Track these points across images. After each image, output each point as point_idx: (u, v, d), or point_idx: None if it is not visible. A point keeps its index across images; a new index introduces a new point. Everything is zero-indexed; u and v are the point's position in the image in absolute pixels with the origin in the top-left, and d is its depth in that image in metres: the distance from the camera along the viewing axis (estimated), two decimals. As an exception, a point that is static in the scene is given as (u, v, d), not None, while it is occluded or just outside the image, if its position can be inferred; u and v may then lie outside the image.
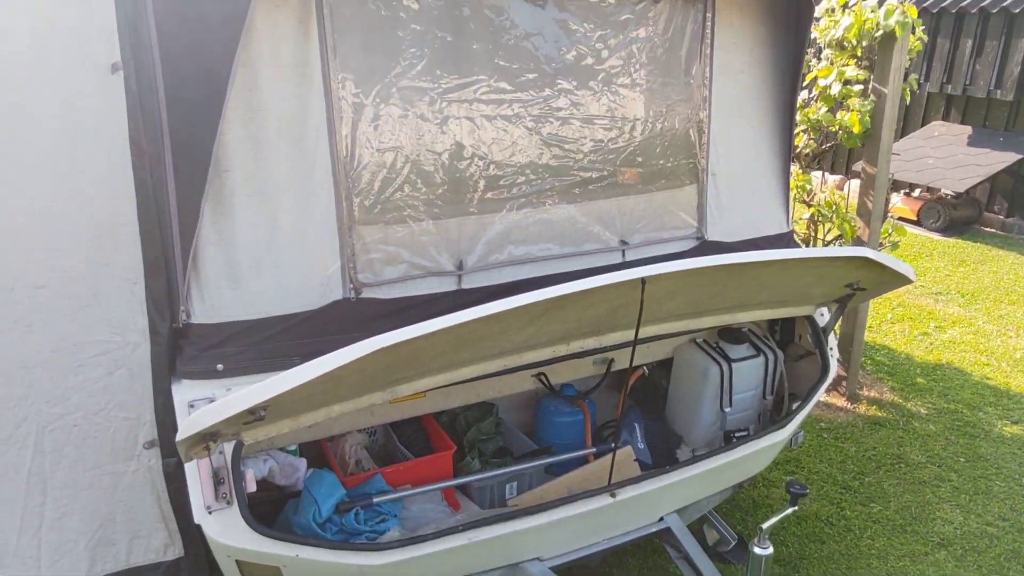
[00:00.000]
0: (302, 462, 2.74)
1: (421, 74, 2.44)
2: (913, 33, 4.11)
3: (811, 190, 4.60)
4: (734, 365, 3.18)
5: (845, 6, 4.31)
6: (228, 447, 2.21)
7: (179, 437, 1.90)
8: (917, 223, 8.69)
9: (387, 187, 2.49)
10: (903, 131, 9.33)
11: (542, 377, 3.10)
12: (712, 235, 3.17)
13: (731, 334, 3.29)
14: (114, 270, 2.27)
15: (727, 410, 3.24)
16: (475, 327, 2.06)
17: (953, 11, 8.96)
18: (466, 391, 2.94)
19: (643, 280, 2.16)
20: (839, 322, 3.90)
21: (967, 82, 8.94)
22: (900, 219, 8.67)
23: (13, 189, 2.11)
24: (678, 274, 2.27)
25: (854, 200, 4.61)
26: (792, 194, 4.38)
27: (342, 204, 2.43)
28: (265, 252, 2.37)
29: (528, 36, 2.60)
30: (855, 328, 4.72)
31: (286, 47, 2.26)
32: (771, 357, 3.32)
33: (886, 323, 6.07)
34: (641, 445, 3.35)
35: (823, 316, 3.26)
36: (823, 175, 5.27)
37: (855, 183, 4.85)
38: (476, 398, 3.05)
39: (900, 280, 2.68)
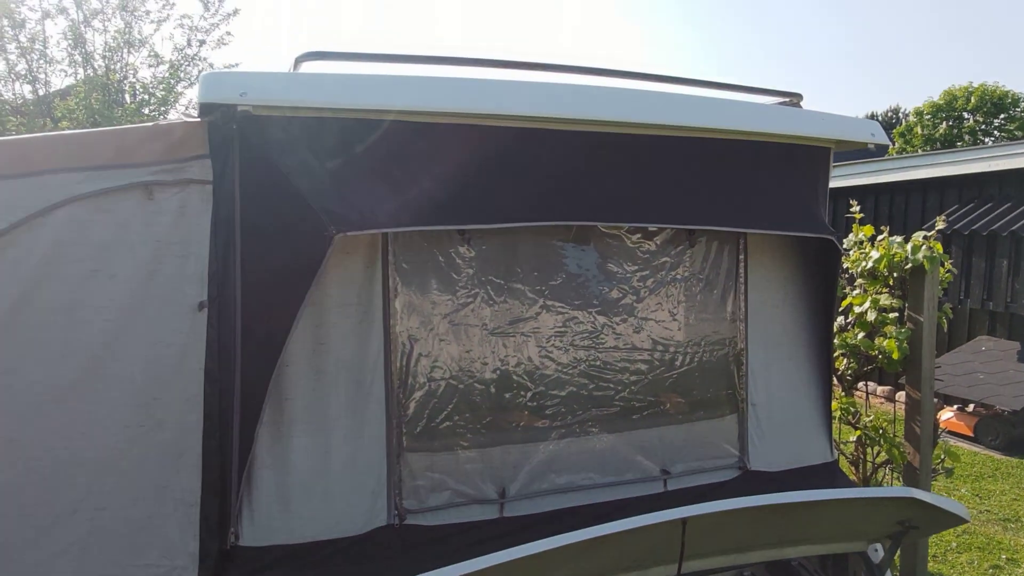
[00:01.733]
0: None
1: (473, 312, 2.65)
2: (943, 266, 4.29)
3: (856, 412, 4.58)
4: (785, 604, 3.04)
5: (873, 239, 4.55)
6: None
7: None
8: (974, 440, 8.40)
9: (435, 416, 2.61)
10: (949, 344, 9.32)
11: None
12: (755, 464, 3.17)
13: (780, 569, 3.17)
14: (173, 492, 2.38)
15: (780, 655, 3.04)
16: (514, 565, 2.08)
17: (984, 233, 9.26)
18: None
19: (684, 521, 2.17)
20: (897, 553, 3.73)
21: (1008, 299, 9.03)
22: (955, 435, 8.42)
23: (94, 418, 2.29)
24: (720, 513, 2.27)
25: (903, 414, 4.56)
26: (836, 415, 4.38)
27: (392, 433, 2.55)
28: (316, 478, 2.47)
29: (573, 277, 2.82)
30: (916, 560, 4.47)
31: (352, 289, 2.50)
32: (824, 596, 3.16)
33: (951, 552, 5.72)
34: None
35: (877, 552, 3.14)
36: (867, 388, 5.25)
37: (903, 395, 4.82)
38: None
39: (953, 520, 2.62)
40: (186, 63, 14.82)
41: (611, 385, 2.90)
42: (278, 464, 2.43)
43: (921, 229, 4.63)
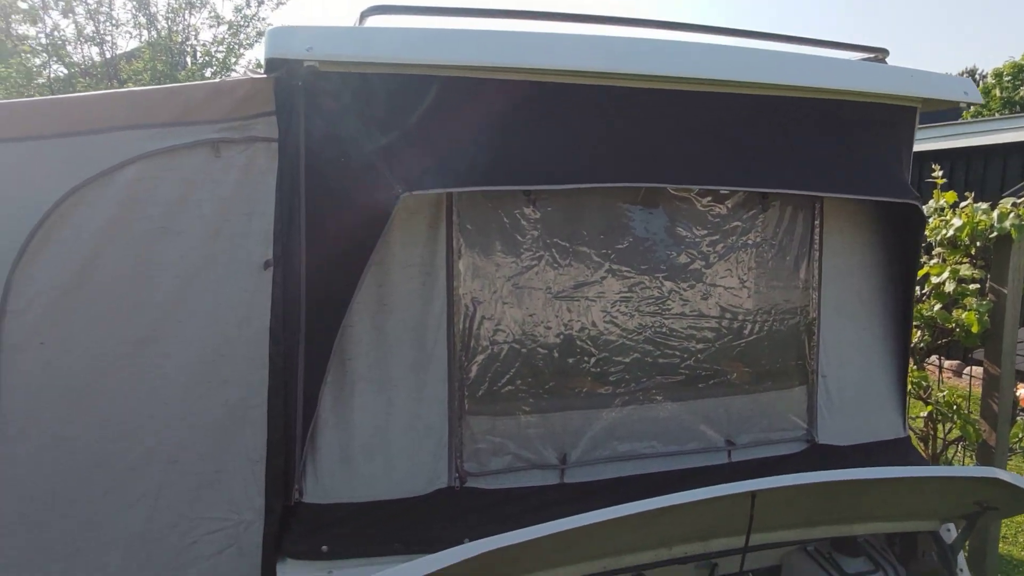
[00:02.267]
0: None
1: (537, 275, 2.60)
2: (1031, 234, 4.04)
3: (928, 387, 4.40)
4: (849, 581, 2.95)
5: (955, 206, 4.31)
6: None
7: None
8: (1052, 418, 8.04)
9: (497, 380, 2.58)
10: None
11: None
12: (823, 438, 3.06)
13: (846, 545, 3.08)
14: (239, 448, 2.41)
15: (842, 631, 2.97)
16: (579, 533, 2.04)
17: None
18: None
19: (753, 494, 2.10)
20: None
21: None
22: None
23: (163, 374, 2.33)
24: (792, 487, 2.20)
25: (976, 390, 4.37)
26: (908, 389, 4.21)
27: (454, 395, 2.53)
28: (378, 438, 2.47)
29: (640, 241, 2.74)
30: (986, 540, 4.32)
31: (415, 250, 2.47)
32: (891, 574, 3.06)
33: (1023, 533, 5.51)
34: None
35: (950, 532, 3.02)
36: (939, 362, 5.06)
37: (976, 369, 4.62)
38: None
39: None
40: (245, 24, 14.94)
41: (676, 353, 2.82)
42: (341, 423, 2.44)
43: (1003, 196, 4.36)
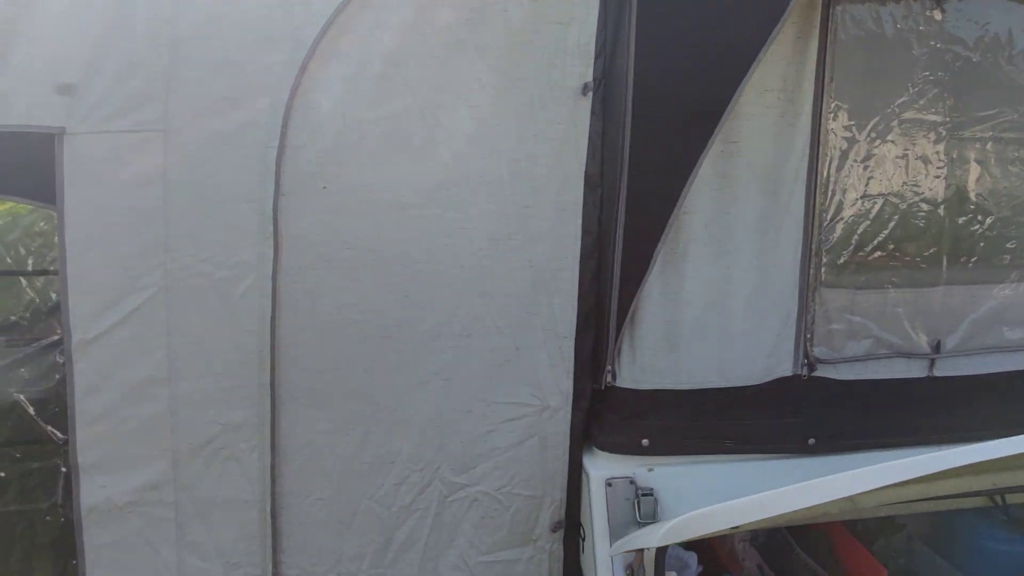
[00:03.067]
0: (692, 556, 2.31)
1: (930, 103, 1.94)
2: None
3: None
4: None
5: None
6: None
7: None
8: None
9: (865, 243, 2.00)
10: None
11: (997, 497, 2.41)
12: None
13: None
14: (543, 321, 1.98)
15: None
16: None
17: None
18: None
19: None
20: None
21: None
22: None
23: (458, 228, 1.90)
24: None
25: None
26: None
27: (808, 262, 1.98)
28: (712, 313, 1.98)
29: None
30: None
31: (775, 68, 1.86)
32: None
33: None
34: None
35: None
36: None
37: None
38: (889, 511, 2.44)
39: None
40: None
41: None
42: (668, 293, 1.95)
43: None
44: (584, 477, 2.05)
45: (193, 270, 1.82)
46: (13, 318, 2.06)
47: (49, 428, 2.00)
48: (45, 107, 1.72)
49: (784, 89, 1.87)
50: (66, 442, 1.85)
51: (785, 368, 2.03)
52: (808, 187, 1.93)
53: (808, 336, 2.01)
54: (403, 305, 1.90)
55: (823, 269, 1.99)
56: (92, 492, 1.87)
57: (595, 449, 2.06)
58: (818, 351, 2.03)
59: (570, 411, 2.03)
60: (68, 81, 1.72)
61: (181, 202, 1.79)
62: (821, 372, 2.04)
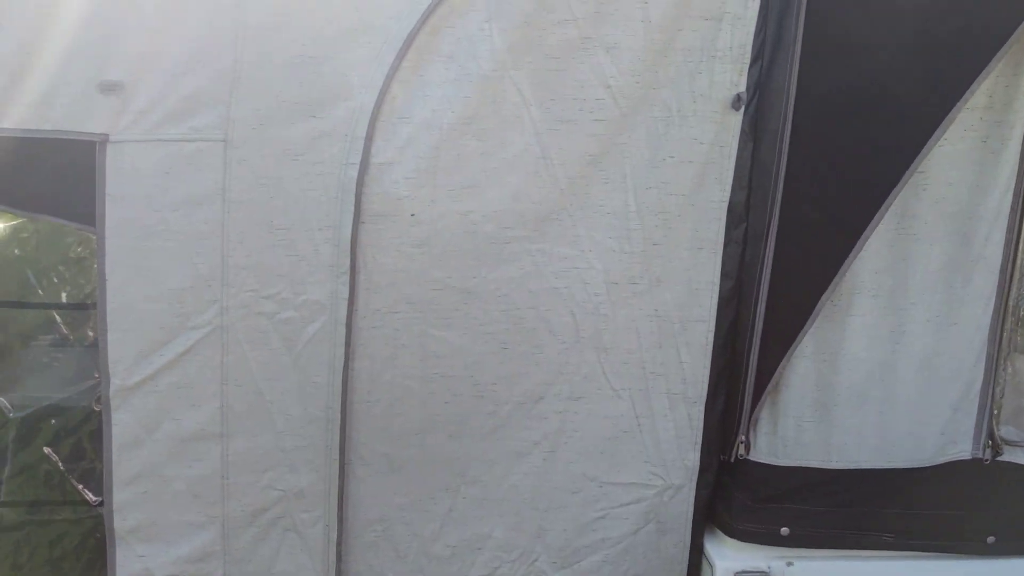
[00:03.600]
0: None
1: None
2: None
3: None
4: None
5: None
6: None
7: None
8: None
9: (1074, 300, 1.61)
10: None
11: None
12: None
13: None
14: (670, 383, 1.64)
15: None
16: None
17: None
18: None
19: None
20: None
21: None
22: None
23: (570, 265, 1.57)
24: None
25: None
26: None
27: (1002, 322, 1.60)
28: (876, 378, 1.62)
29: None
30: None
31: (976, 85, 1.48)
32: None
33: None
34: None
35: None
36: None
37: None
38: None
39: None
40: None
41: None
42: (823, 352, 1.60)
43: None
44: (706, 567, 1.71)
45: (254, 308, 1.52)
46: (45, 360, 1.79)
47: (81, 487, 1.73)
48: (85, 109, 1.43)
49: (990, 107, 1.49)
50: (100, 504, 1.59)
51: (962, 449, 1.66)
52: (1010, 230, 1.55)
53: (994, 412, 1.64)
54: (501, 359, 1.58)
55: (1020, 331, 1.62)
56: (129, 563, 1.60)
57: (720, 533, 1.72)
58: (1005, 431, 1.66)
59: (694, 488, 1.69)
60: (113, 78, 1.42)
61: (242, 226, 1.49)
62: (1008, 456, 1.66)
